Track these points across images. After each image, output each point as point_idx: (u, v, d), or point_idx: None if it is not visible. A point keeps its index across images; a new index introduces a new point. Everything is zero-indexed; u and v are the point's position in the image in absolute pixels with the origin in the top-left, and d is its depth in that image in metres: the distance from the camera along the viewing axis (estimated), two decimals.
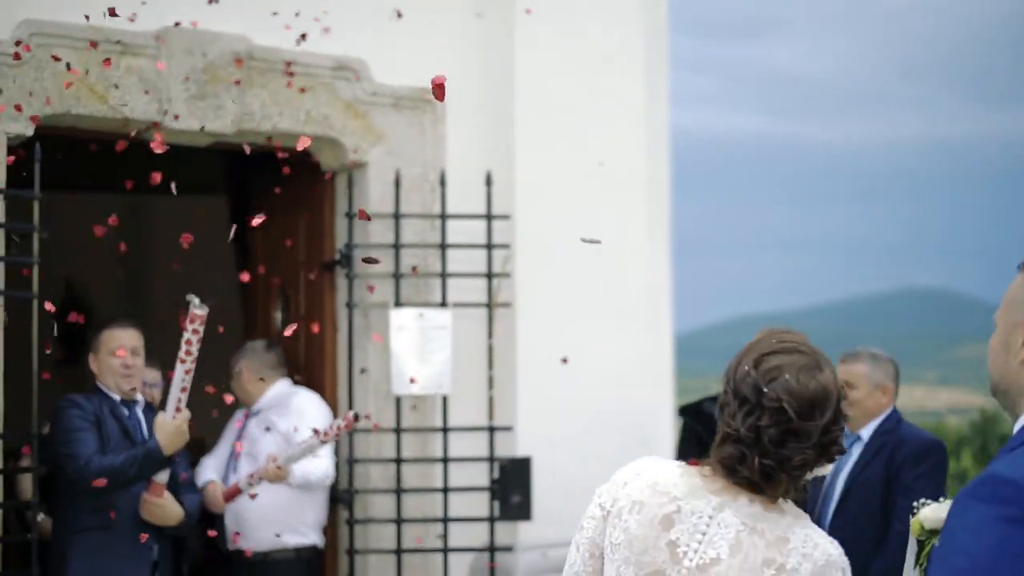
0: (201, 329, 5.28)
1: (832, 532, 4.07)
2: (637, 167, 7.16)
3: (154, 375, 6.17)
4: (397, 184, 6.55)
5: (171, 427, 5.43)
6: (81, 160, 6.63)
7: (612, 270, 6.92)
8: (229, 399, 6.20)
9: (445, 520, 6.50)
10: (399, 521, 6.47)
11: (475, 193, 6.68)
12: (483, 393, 6.56)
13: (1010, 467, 2.41)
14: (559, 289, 6.76)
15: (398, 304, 6.49)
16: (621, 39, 7.14)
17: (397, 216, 6.53)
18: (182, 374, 5.38)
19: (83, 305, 10.06)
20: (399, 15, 6.54)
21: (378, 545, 6.48)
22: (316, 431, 5.86)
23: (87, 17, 5.67)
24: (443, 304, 6.53)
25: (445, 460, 6.50)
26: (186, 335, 5.30)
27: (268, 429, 6.27)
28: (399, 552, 6.46)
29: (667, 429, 7.60)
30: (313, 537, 6.33)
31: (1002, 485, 2.37)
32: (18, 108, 5.67)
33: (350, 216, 6.53)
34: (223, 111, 6.22)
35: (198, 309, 5.25)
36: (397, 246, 6.53)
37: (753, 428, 2.67)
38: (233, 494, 6.08)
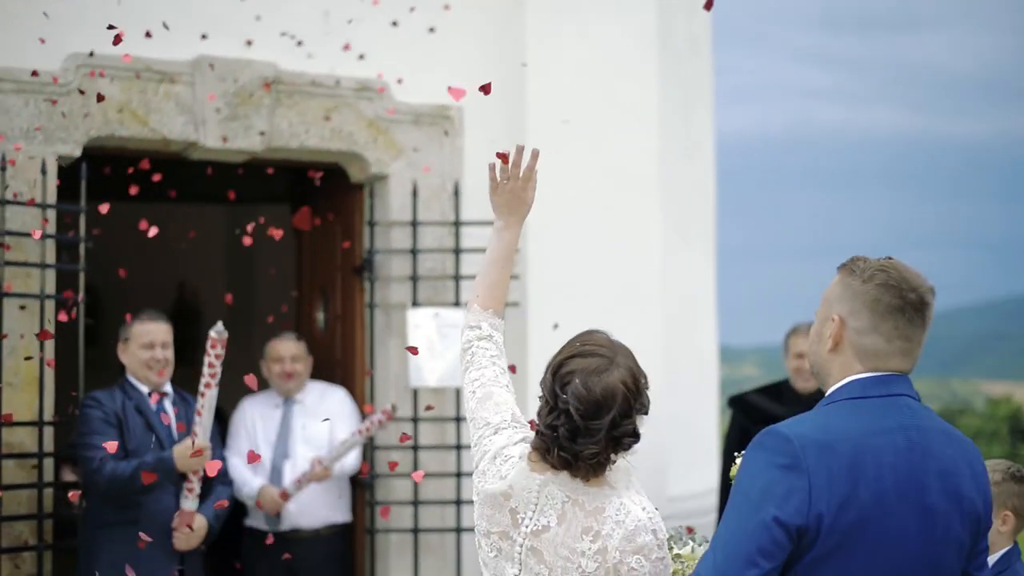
0: (223, 353, 5.64)
1: None
2: (649, 174, 7.63)
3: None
4: (415, 194, 7.14)
5: (182, 451, 5.72)
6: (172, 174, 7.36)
7: (621, 273, 7.41)
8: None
9: (457, 503, 7.07)
10: (415, 503, 7.06)
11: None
12: None
13: (788, 426, 3.01)
14: (568, 290, 7.26)
15: (415, 304, 7.08)
16: (634, 51, 7.61)
17: (415, 224, 7.13)
18: (206, 398, 5.71)
19: (193, 308, 10.87)
20: (431, 30, 7.09)
21: (398, 525, 7.07)
22: (359, 430, 6.50)
23: (118, 43, 6.36)
24: (456, 304, 7.09)
25: (458, 447, 7.06)
26: (208, 359, 5.62)
27: (326, 419, 6.84)
28: (415, 532, 7.06)
29: (687, 429, 8.02)
30: (347, 515, 6.99)
31: (778, 438, 2.94)
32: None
33: (371, 224, 7.15)
34: (252, 131, 6.87)
35: (217, 334, 5.59)
36: (415, 251, 7.12)
37: (551, 426, 3.15)
38: (286, 498, 6.71)
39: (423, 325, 7.02)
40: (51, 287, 6.37)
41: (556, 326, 6.35)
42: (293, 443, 6.86)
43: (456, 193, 7.22)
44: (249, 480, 6.79)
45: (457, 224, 7.18)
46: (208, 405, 5.73)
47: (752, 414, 7.20)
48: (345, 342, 7.49)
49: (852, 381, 3.07)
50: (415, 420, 7.06)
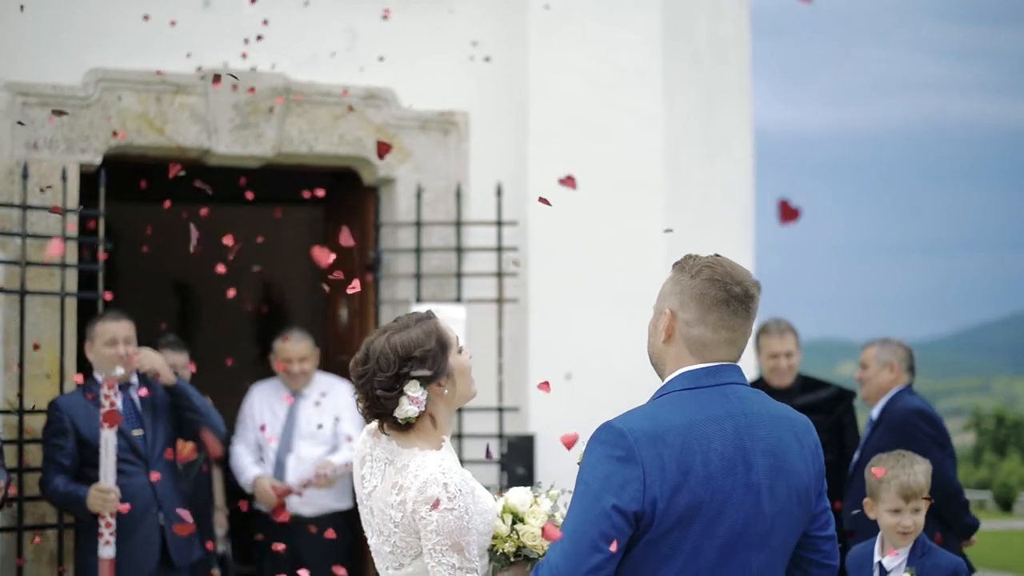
0: (115, 398, 6.01)
1: (851, 497, 4.81)
2: (653, 175, 7.88)
3: (182, 359, 7.16)
4: (418, 197, 7.52)
5: (96, 495, 5.99)
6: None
7: (622, 273, 7.69)
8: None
9: None
10: None
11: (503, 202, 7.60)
12: (494, 378, 7.45)
13: (622, 420, 3.31)
14: (569, 289, 7.57)
15: (419, 300, 7.46)
16: (638, 54, 7.86)
17: (419, 224, 7.51)
18: (108, 440, 6.02)
19: (277, 305, 11.41)
20: (436, 39, 7.47)
21: None
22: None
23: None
24: (458, 300, 7.46)
25: (459, 436, 7.43)
26: (103, 402, 6.00)
27: (337, 419, 7.30)
28: None
29: None
30: (348, 502, 7.40)
31: (613, 432, 3.25)
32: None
33: (377, 226, 7.57)
34: (264, 138, 7.32)
35: (107, 376, 6.05)
36: (419, 250, 7.50)
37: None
38: (285, 494, 7.15)
39: None
40: (72, 286, 6.89)
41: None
42: (297, 438, 7.30)
43: (458, 195, 7.57)
44: (247, 469, 7.26)
45: (459, 224, 7.53)
46: (106, 447, 6.02)
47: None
48: (360, 337, 7.90)
49: (684, 373, 3.35)
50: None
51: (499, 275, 7.52)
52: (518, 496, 3.66)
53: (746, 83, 9.45)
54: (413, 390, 3.51)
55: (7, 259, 6.74)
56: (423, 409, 3.54)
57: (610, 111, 7.77)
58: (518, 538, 3.58)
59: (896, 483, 4.91)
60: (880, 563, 4.97)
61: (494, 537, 3.58)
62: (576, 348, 7.50)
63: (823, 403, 7.20)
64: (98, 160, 7.05)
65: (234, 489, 7.70)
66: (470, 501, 3.47)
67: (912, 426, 6.51)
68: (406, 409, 3.51)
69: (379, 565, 3.61)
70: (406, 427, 3.56)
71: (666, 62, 8.06)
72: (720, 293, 3.32)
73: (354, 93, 7.47)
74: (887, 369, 6.62)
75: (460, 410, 7.44)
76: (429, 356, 3.54)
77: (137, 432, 6.28)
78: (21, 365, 6.69)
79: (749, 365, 7.65)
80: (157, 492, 6.29)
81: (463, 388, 3.65)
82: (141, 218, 7.84)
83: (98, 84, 7.00)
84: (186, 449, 6.73)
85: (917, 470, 4.95)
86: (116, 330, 6.41)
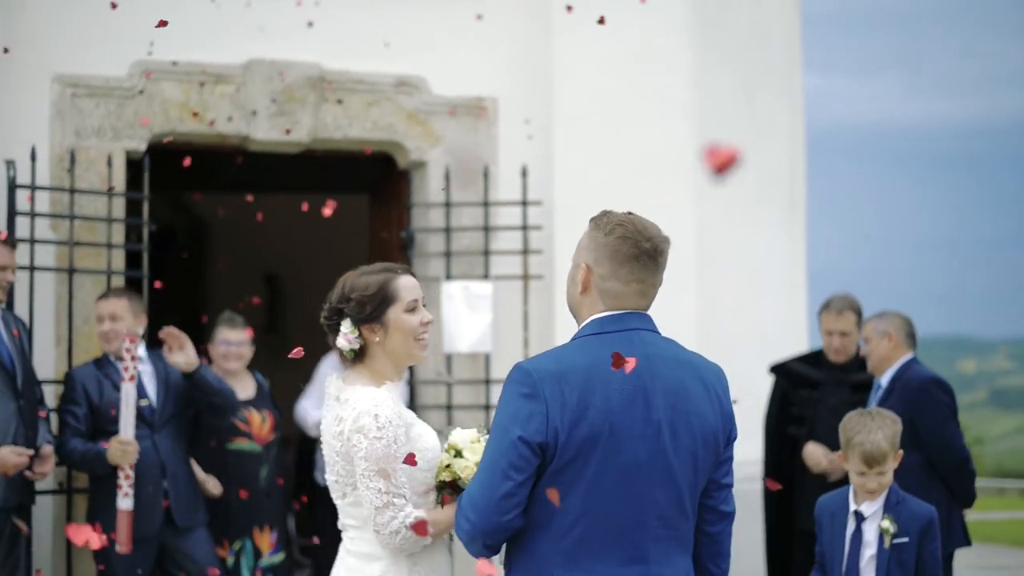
0: (133, 348, 6.25)
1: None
2: (679, 158, 8.13)
3: (238, 335, 7.23)
4: (447, 178, 7.87)
5: (116, 447, 6.27)
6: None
7: None
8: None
9: None
10: None
11: (529, 183, 7.91)
12: (520, 352, 7.76)
13: (530, 362, 3.67)
14: None
15: (449, 277, 7.80)
16: (664, 39, 8.12)
17: (448, 204, 7.86)
18: (124, 393, 6.28)
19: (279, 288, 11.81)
20: (464, 26, 7.79)
21: None
22: None
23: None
24: (486, 277, 7.79)
25: (487, 408, 7.75)
26: (125, 359, 6.24)
27: None
28: None
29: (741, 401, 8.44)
30: None
31: (521, 372, 3.59)
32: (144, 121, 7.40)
33: (409, 207, 7.93)
34: (300, 125, 7.72)
35: (132, 332, 6.34)
36: (448, 230, 7.85)
37: None
38: None
39: (455, 296, 7.74)
40: (119, 265, 7.35)
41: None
42: None
43: (486, 176, 7.90)
44: (311, 413, 7.67)
45: (486, 205, 7.86)
46: (126, 401, 6.30)
47: (792, 379, 7.62)
48: None
49: (593, 319, 3.65)
50: (448, 383, 7.78)
51: (525, 253, 7.83)
52: (461, 435, 3.99)
53: (795, 69, 9.63)
54: (345, 326, 3.90)
55: (58, 239, 7.21)
56: (354, 347, 3.90)
57: (635, 95, 8.04)
58: (454, 470, 3.89)
59: (860, 450, 5.11)
60: (858, 511, 5.17)
61: (438, 471, 3.90)
62: None
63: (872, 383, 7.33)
64: (143, 147, 7.50)
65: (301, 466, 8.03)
66: (401, 433, 3.79)
67: (928, 394, 6.65)
68: (340, 341, 3.92)
69: (333, 497, 3.95)
70: (354, 364, 3.93)
71: (697, 47, 8.30)
72: (631, 249, 3.62)
73: (386, 81, 7.83)
74: (886, 339, 6.78)
75: (488, 382, 7.77)
76: (366, 302, 3.88)
77: (143, 402, 6.56)
78: (70, 339, 7.15)
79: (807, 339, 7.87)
80: (161, 456, 6.59)
81: (400, 344, 3.93)
82: (228, 208, 8.23)
83: (142, 75, 7.44)
84: (264, 430, 7.10)
85: (880, 436, 5.11)
86: (102, 307, 6.71)
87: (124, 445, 6.31)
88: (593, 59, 8.00)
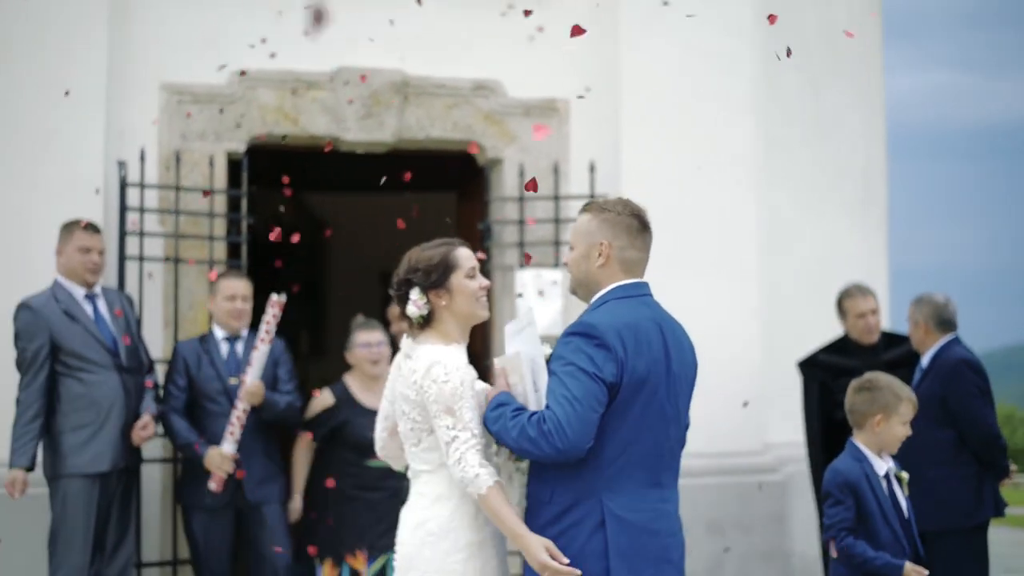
0: (279, 315, 6.84)
1: (905, 445, 5.62)
2: (746, 152, 8.61)
3: (375, 336, 7.46)
4: (521, 175, 8.46)
5: (214, 457, 6.92)
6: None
7: (710, 241, 8.44)
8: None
9: None
10: None
11: (599, 178, 8.47)
12: None
13: (590, 319, 4.33)
14: (657, 256, 8.31)
15: (522, 266, 8.39)
16: (727, 37, 8.60)
17: (522, 199, 8.45)
18: (259, 351, 6.89)
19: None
20: (540, 29, 8.37)
21: None
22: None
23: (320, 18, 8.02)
24: (556, 265, 8.36)
25: None
26: (265, 318, 6.82)
27: None
28: None
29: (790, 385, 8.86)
30: None
31: (588, 327, 4.27)
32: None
33: (487, 202, 8.55)
34: (386, 126, 8.38)
35: (277, 297, 6.91)
36: (522, 222, 8.44)
37: None
38: None
39: (528, 283, 8.32)
40: (220, 255, 8.10)
41: None
42: None
43: (556, 172, 8.49)
44: None
45: (557, 199, 8.44)
46: (259, 359, 6.93)
47: (829, 371, 8.02)
48: None
49: (617, 286, 4.40)
50: None
51: None
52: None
53: (872, 68, 9.98)
54: (414, 294, 4.42)
55: (164, 233, 7.97)
56: (423, 312, 4.42)
57: (700, 92, 8.54)
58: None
59: (911, 401, 5.66)
60: (887, 474, 5.63)
61: None
62: (671, 304, 8.25)
63: (906, 357, 7.75)
64: (242, 148, 8.23)
65: None
66: (467, 379, 4.33)
67: (959, 374, 7.07)
68: (410, 309, 4.44)
69: (405, 447, 4.49)
70: (423, 328, 4.46)
71: (761, 46, 8.73)
72: (639, 223, 4.43)
73: (465, 84, 8.46)
74: (919, 328, 7.23)
75: None
76: (433, 271, 4.42)
77: (233, 380, 7.18)
78: (176, 322, 7.91)
79: (832, 328, 8.27)
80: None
81: (464, 305, 4.44)
82: (340, 207, 8.82)
83: (241, 82, 8.17)
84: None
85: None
86: (235, 287, 7.27)
87: (222, 459, 6.92)
88: (659, 61, 8.51)
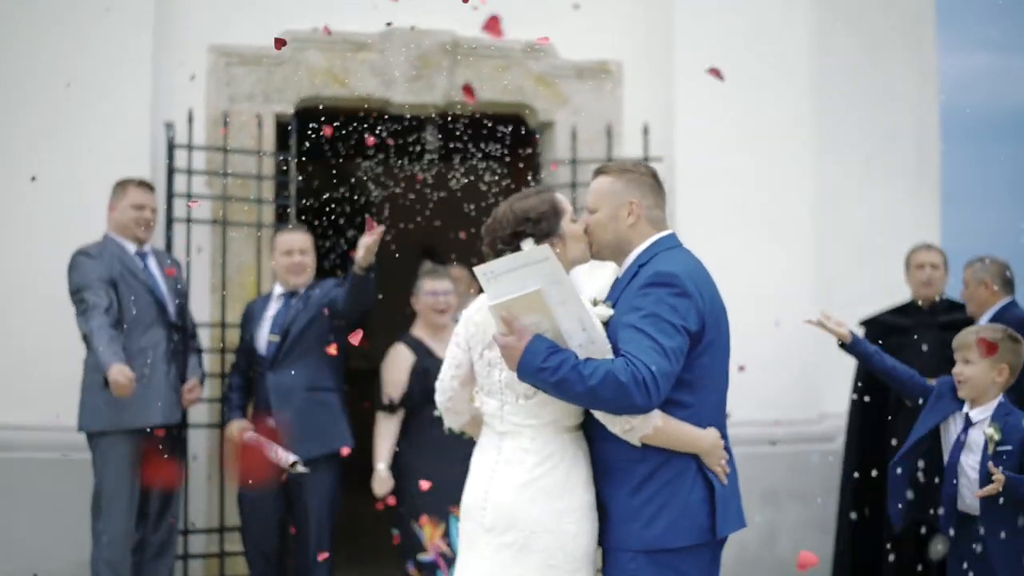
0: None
1: None
2: (799, 116, 8.45)
3: (444, 284, 7.24)
4: (573, 138, 8.32)
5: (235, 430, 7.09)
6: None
7: (763, 203, 8.29)
8: None
9: None
10: None
11: (652, 141, 8.33)
12: None
13: (666, 265, 4.22)
14: (712, 218, 8.21)
15: None
16: (782, 10, 8.45)
17: (574, 161, 8.32)
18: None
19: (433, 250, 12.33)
20: (576, 6, 8.25)
21: None
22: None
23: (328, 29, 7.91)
24: None
25: None
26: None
27: None
28: None
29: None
30: None
31: (669, 276, 4.19)
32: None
33: (537, 164, 8.42)
34: (436, 88, 8.26)
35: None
36: (574, 185, 8.31)
37: None
38: None
39: None
40: (268, 218, 8.01)
41: None
42: None
43: (608, 135, 8.34)
44: None
45: (609, 161, 8.28)
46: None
47: (883, 330, 7.90)
48: None
49: (660, 238, 4.37)
50: None
51: None
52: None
53: (925, 38, 9.77)
54: (527, 246, 4.22)
55: (212, 195, 7.89)
56: None
57: (753, 56, 8.37)
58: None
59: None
60: (968, 415, 5.53)
61: None
62: (719, 277, 8.10)
63: (961, 322, 7.61)
64: (290, 110, 8.13)
65: None
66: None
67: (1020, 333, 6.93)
68: None
69: (510, 399, 4.27)
70: None
71: (817, 9, 8.58)
72: (656, 182, 4.45)
73: (516, 47, 8.33)
74: (983, 287, 7.07)
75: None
76: (544, 218, 4.29)
77: (273, 338, 7.06)
78: (223, 285, 7.83)
79: (888, 292, 8.13)
80: (269, 393, 6.99)
81: (575, 250, 4.36)
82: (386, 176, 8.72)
83: (289, 44, 8.07)
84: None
85: (973, 331, 5.67)
86: (292, 240, 7.14)
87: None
88: (711, 23, 8.36)
